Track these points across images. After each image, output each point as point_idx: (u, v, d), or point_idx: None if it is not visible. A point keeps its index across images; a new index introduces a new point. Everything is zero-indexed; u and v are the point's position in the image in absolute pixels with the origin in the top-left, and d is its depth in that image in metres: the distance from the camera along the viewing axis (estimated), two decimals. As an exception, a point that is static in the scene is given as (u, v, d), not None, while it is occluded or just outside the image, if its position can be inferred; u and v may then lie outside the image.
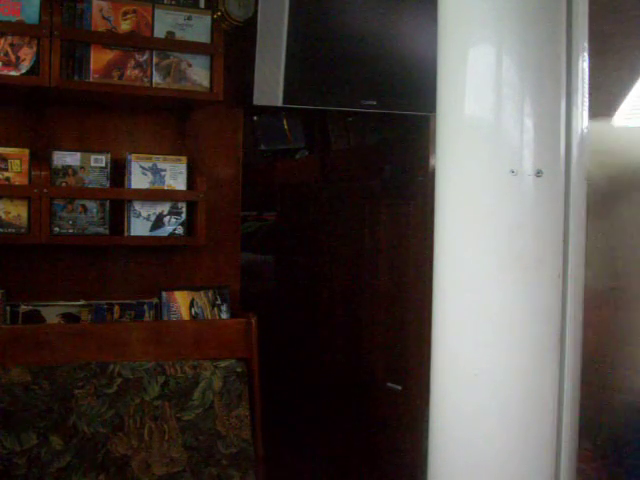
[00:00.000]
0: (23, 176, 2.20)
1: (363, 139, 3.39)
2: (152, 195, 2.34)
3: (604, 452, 2.47)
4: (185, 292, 2.43)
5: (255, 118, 3.37)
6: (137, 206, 2.34)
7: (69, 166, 2.27)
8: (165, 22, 2.28)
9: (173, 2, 2.34)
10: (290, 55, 2.28)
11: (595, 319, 1.90)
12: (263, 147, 3.49)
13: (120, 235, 2.34)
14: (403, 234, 2.89)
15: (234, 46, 2.45)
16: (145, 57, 2.25)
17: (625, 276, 2.00)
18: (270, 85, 2.33)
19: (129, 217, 2.33)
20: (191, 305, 2.42)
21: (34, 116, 2.34)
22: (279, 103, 2.32)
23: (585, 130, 1.21)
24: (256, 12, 2.35)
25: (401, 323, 2.91)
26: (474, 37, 1.18)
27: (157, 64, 2.27)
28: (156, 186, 2.35)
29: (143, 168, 2.34)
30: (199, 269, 2.55)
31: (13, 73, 2.11)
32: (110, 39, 2.21)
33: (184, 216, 2.39)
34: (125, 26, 2.23)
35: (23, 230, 2.20)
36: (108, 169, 2.31)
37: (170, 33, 2.28)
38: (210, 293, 2.46)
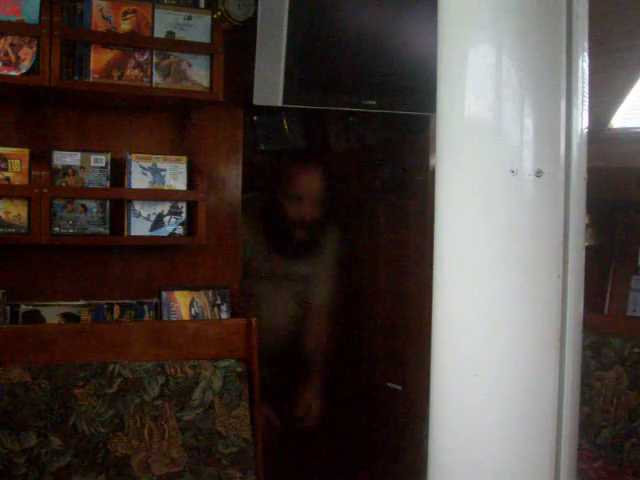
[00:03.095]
0: (23, 176, 2.20)
1: (363, 139, 3.39)
2: (152, 195, 2.34)
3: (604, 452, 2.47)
4: (185, 292, 2.43)
5: (255, 118, 3.37)
6: (137, 206, 2.34)
7: (69, 166, 2.27)
8: (165, 22, 2.28)
9: (173, 2, 2.34)
10: (290, 55, 2.28)
11: None
12: (263, 147, 3.49)
13: (120, 235, 2.34)
14: (403, 234, 2.90)
15: (234, 46, 2.45)
16: (145, 57, 2.25)
17: None
18: (270, 85, 2.33)
19: (129, 217, 2.33)
20: (191, 305, 2.42)
21: (34, 116, 2.34)
22: (279, 103, 2.32)
23: (585, 130, 1.21)
24: (256, 12, 2.35)
25: (401, 323, 2.91)
26: (474, 37, 1.17)
27: (157, 64, 2.27)
28: (156, 186, 2.35)
29: (143, 168, 2.34)
30: (199, 269, 2.55)
31: (13, 73, 2.11)
32: (110, 39, 2.21)
33: (184, 216, 2.39)
34: (125, 26, 2.23)
35: (23, 230, 2.20)
36: (108, 169, 2.31)
37: (170, 33, 2.28)
38: (210, 293, 2.46)
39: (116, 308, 2.35)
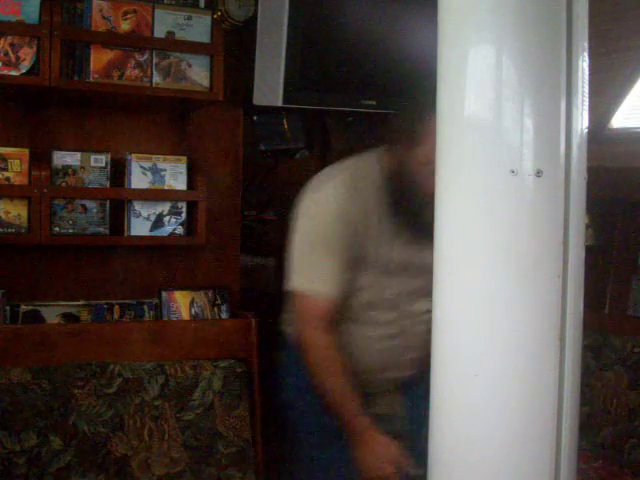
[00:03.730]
0: (23, 176, 2.20)
1: (363, 139, 3.39)
2: (152, 195, 2.35)
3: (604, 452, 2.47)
4: (185, 292, 2.43)
5: (255, 118, 3.37)
6: (137, 206, 2.34)
7: (69, 166, 2.27)
8: (165, 22, 2.28)
9: (173, 2, 2.34)
10: (290, 55, 2.28)
11: None
12: (263, 147, 3.49)
13: (120, 235, 2.34)
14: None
15: (234, 46, 2.45)
16: (145, 57, 2.26)
17: None
18: (270, 85, 2.33)
19: (129, 217, 2.34)
20: (191, 305, 2.42)
21: (34, 116, 2.34)
22: (279, 103, 2.32)
23: (585, 130, 1.21)
24: (256, 12, 2.35)
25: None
26: (474, 37, 1.17)
27: (157, 64, 2.27)
28: (156, 186, 2.35)
29: (143, 168, 2.34)
30: (199, 269, 2.55)
31: (13, 73, 2.11)
32: (110, 39, 2.21)
33: (184, 216, 2.39)
34: (125, 26, 2.23)
35: (23, 230, 2.20)
36: (108, 169, 2.31)
37: (170, 33, 2.28)
38: (210, 293, 2.46)
39: (116, 308, 2.35)
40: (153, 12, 2.26)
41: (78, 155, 2.28)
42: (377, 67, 2.45)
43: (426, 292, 2.04)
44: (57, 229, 2.24)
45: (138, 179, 2.33)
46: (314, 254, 2.04)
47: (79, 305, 2.32)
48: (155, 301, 2.41)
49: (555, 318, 1.17)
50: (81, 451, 2.09)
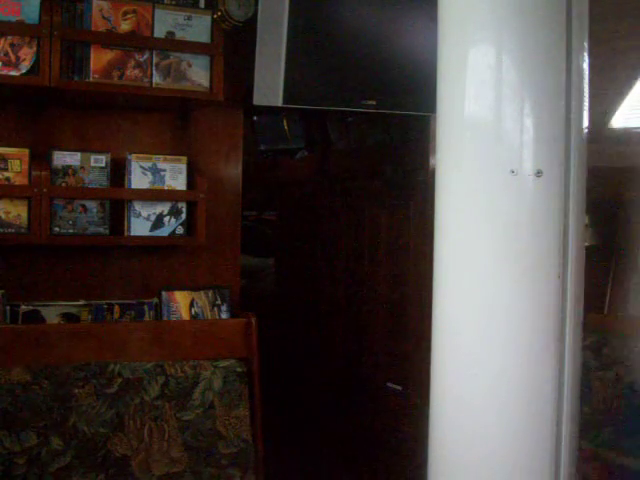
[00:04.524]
0: (23, 176, 2.20)
1: (363, 139, 3.39)
2: (152, 195, 2.35)
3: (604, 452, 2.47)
4: (185, 292, 2.43)
5: (255, 118, 3.37)
6: (137, 206, 2.34)
7: (69, 166, 2.27)
8: (165, 22, 2.28)
9: (173, 2, 2.34)
10: (290, 55, 2.28)
11: None
12: (263, 147, 3.49)
13: (120, 235, 2.34)
14: (403, 234, 2.90)
15: (234, 46, 2.45)
16: (145, 57, 2.25)
17: None
18: (270, 85, 2.33)
19: (129, 217, 2.34)
20: (191, 305, 2.42)
21: (34, 116, 2.34)
22: (279, 103, 2.32)
23: (585, 130, 1.21)
24: (256, 12, 2.35)
25: (401, 323, 2.91)
26: (474, 37, 1.18)
27: (157, 64, 2.27)
28: (156, 186, 2.35)
29: (143, 168, 2.34)
30: (199, 269, 2.55)
31: (13, 73, 2.11)
32: (110, 39, 2.21)
33: (184, 216, 2.39)
34: (125, 26, 2.23)
35: (23, 230, 2.20)
36: (108, 169, 2.31)
37: (170, 33, 2.28)
38: (210, 293, 2.46)
39: (116, 308, 2.35)
40: (153, 12, 2.26)
41: (78, 155, 2.28)
42: (377, 67, 2.45)
43: None
44: (57, 229, 2.24)
45: (138, 179, 2.33)
46: None
47: (79, 305, 2.32)
48: (155, 301, 2.41)
49: (555, 318, 1.17)
50: (81, 451, 2.09)
